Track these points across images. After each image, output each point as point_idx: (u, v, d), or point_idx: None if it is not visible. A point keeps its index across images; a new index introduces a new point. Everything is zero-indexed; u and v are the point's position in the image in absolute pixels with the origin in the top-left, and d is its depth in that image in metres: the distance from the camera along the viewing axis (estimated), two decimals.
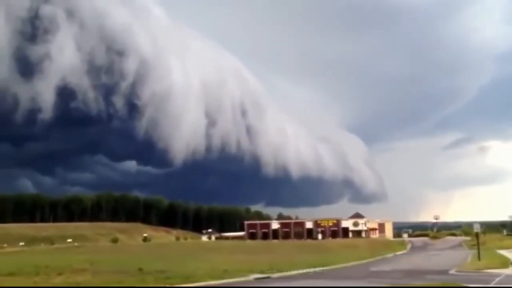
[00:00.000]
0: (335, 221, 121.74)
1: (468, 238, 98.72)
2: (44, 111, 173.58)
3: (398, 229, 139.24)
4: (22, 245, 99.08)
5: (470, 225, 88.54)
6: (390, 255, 66.66)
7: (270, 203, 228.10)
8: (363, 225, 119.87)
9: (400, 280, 28.36)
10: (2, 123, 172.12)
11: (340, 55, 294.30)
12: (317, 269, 37.43)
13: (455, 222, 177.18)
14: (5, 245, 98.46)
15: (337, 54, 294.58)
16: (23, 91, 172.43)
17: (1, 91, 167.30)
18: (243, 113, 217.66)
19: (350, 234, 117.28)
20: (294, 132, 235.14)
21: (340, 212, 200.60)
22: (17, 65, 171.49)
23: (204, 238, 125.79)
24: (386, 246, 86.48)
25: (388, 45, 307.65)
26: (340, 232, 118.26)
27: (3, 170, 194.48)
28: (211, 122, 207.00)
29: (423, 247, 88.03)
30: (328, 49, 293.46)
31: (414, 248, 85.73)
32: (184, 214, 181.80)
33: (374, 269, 39.18)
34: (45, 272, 29.92)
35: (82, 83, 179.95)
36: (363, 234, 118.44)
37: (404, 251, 78.77)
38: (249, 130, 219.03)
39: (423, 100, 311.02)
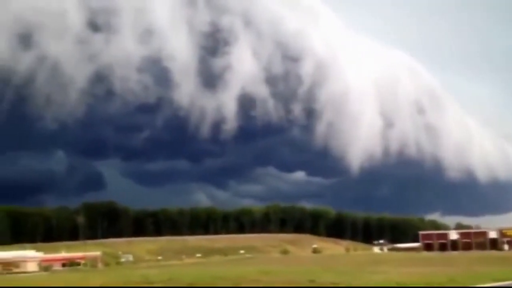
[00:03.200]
0: None
1: None
2: (228, 121, 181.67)
3: None
4: (198, 257, 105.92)
5: None
6: None
7: (447, 211, 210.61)
8: None
9: None
10: (186, 141, 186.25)
11: None
12: (504, 283, 33.21)
13: None
14: (184, 256, 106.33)
15: None
16: (208, 104, 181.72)
17: (189, 105, 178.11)
18: (420, 111, 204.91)
19: None
20: (477, 131, 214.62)
21: None
22: (201, 78, 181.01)
23: (376, 249, 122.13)
24: None
25: None
26: None
27: (182, 185, 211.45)
28: (388, 124, 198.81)
29: None
30: (509, 41, 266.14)
31: None
32: (353, 224, 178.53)
33: None
34: (222, 282, 30.64)
35: (261, 92, 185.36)
36: None
37: None
38: (428, 130, 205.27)
39: None
